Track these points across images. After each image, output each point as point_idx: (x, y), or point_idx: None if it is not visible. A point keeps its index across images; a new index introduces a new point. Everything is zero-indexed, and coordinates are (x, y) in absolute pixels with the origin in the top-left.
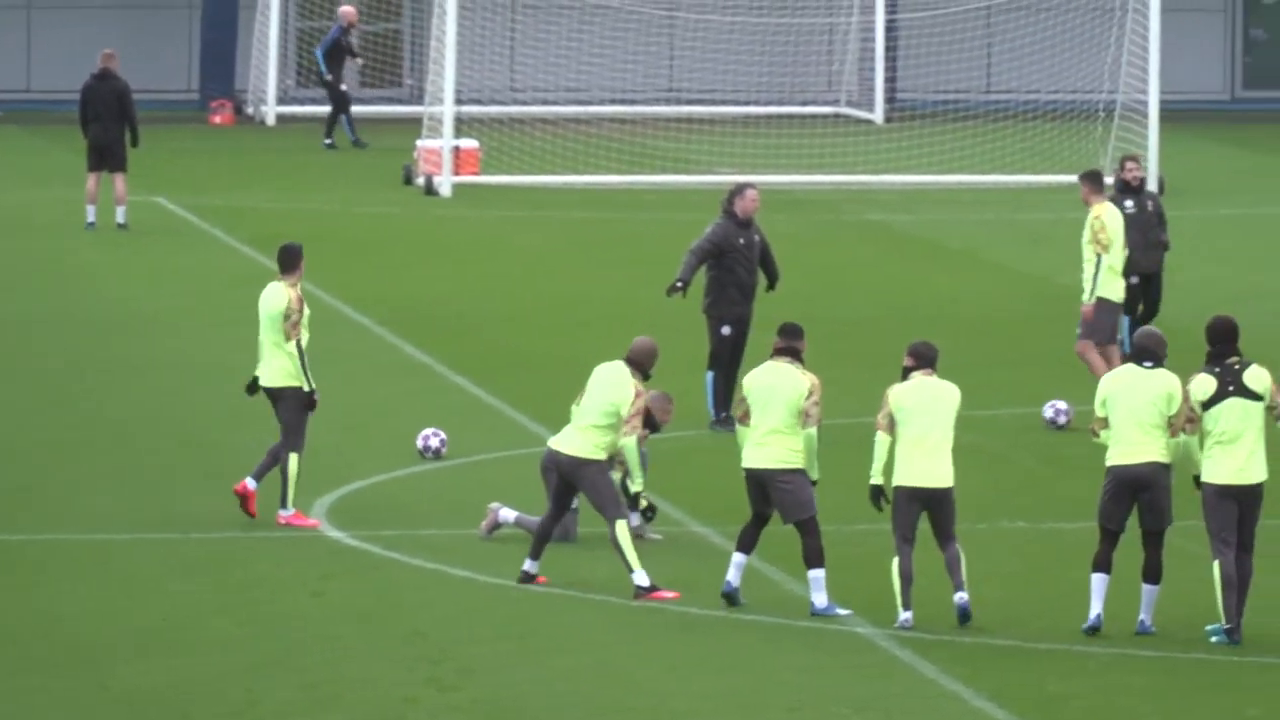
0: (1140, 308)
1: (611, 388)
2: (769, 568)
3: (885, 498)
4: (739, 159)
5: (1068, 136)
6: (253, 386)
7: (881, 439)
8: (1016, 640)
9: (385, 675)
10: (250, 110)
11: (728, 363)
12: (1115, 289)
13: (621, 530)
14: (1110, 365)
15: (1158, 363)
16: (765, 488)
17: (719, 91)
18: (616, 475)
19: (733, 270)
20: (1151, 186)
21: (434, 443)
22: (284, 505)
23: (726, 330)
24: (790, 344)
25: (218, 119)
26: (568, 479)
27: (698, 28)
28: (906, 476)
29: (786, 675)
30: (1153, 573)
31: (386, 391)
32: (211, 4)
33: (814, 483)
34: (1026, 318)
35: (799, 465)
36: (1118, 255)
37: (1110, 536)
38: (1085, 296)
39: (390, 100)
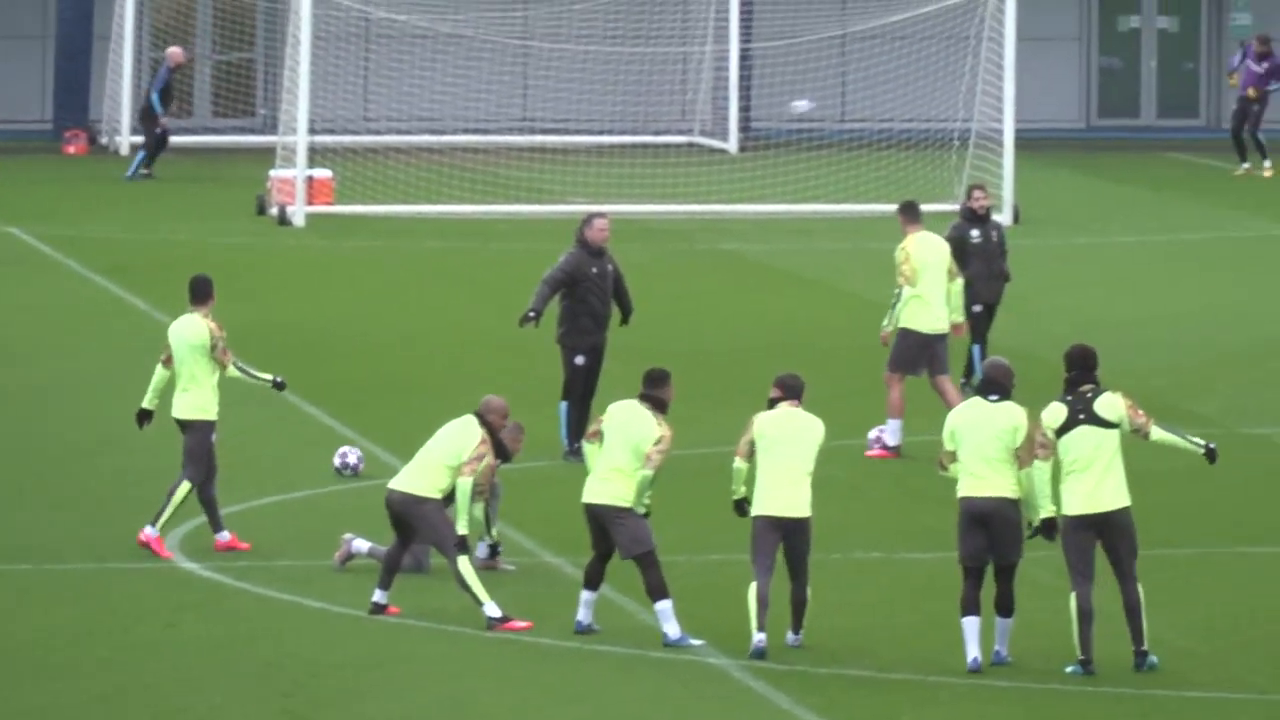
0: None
1: (457, 436)
2: (622, 598)
3: (749, 503)
4: (592, 188)
5: (922, 165)
6: (142, 417)
7: (739, 465)
8: (870, 670)
9: (239, 707)
10: (104, 140)
11: (582, 393)
12: (924, 320)
13: (463, 566)
14: (945, 398)
15: (1004, 395)
16: (602, 523)
17: (573, 121)
18: (479, 508)
19: (585, 300)
20: (1006, 215)
21: (351, 460)
22: (153, 524)
23: (580, 360)
24: (650, 392)
25: (72, 149)
26: (402, 516)
27: (551, 57)
28: (765, 505)
29: (639, 706)
30: (1004, 606)
31: (240, 421)
32: (65, 34)
33: (646, 514)
34: (880, 348)
35: (631, 503)
36: (931, 287)
37: (972, 574)
38: (884, 322)
39: (243, 130)
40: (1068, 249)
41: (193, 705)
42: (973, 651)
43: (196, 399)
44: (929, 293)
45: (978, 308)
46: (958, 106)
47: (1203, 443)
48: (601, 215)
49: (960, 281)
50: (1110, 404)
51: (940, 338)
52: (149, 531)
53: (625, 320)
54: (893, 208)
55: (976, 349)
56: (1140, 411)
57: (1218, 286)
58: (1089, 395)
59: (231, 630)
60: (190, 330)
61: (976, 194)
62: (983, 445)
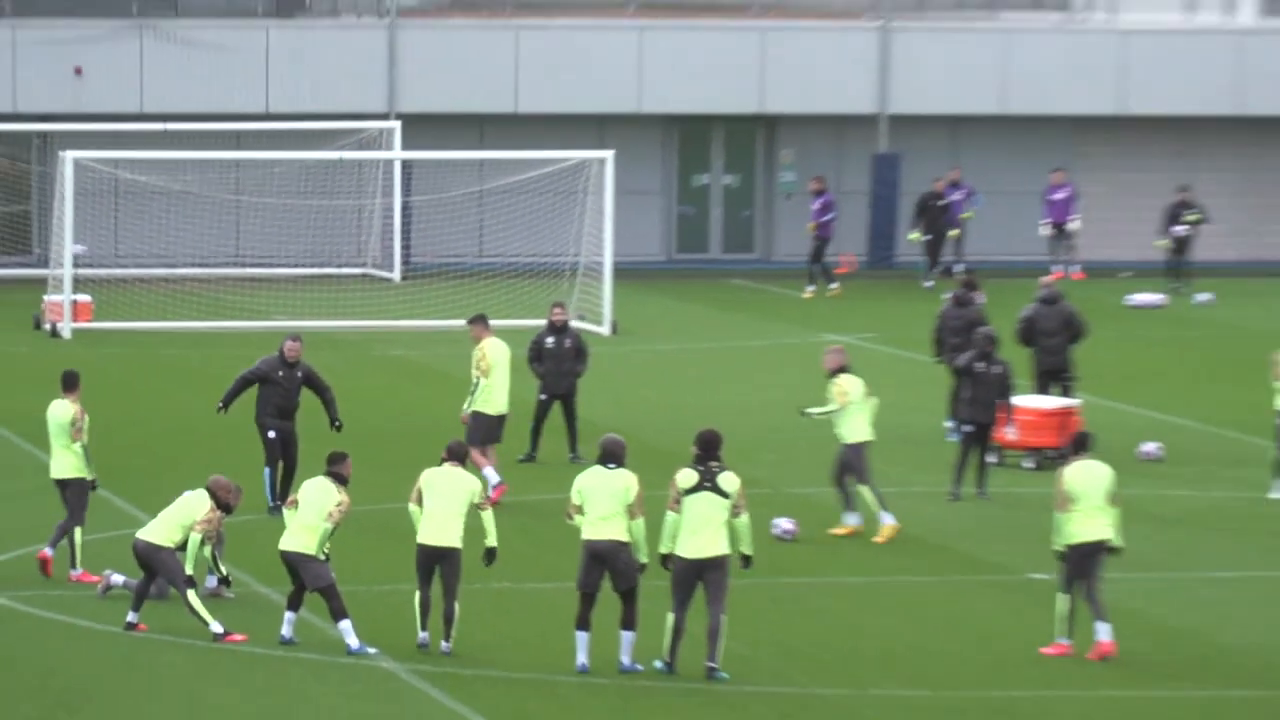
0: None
1: (192, 504)
2: (315, 618)
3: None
4: (291, 309)
5: (542, 290)
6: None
7: (413, 509)
8: (505, 672)
9: (16, 709)
10: None
11: (283, 461)
12: (493, 405)
13: (191, 597)
14: (483, 460)
15: (619, 464)
16: (293, 565)
17: (275, 256)
18: (208, 549)
19: (273, 395)
20: (606, 328)
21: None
22: (73, 566)
23: (272, 434)
24: (332, 469)
25: None
26: (145, 559)
27: (258, 208)
28: (424, 536)
29: (330, 698)
30: (628, 622)
31: (18, 488)
32: None
33: (326, 559)
34: (516, 430)
35: (314, 551)
36: (499, 379)
37: (585, 600)
38: (465, 406)
39: (23, 265)
40: (655, 353)
41: None
42: (581, 658)
43: (68, 462)
44: (498, 384)
45: (544, 396)
46: (570, 244)
47: (750, 553)
48: (295, 339)
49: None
50: (730, 480)
51: (503, 418)
52: (73, 573)
53: (333, 424)
54: (521, 322)
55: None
56: (744, 498)
57: (769, 381)
58: (715, 469)
59: (12, 647)
60: (59, 410)
61: (555, 310)
62: (602, 502)
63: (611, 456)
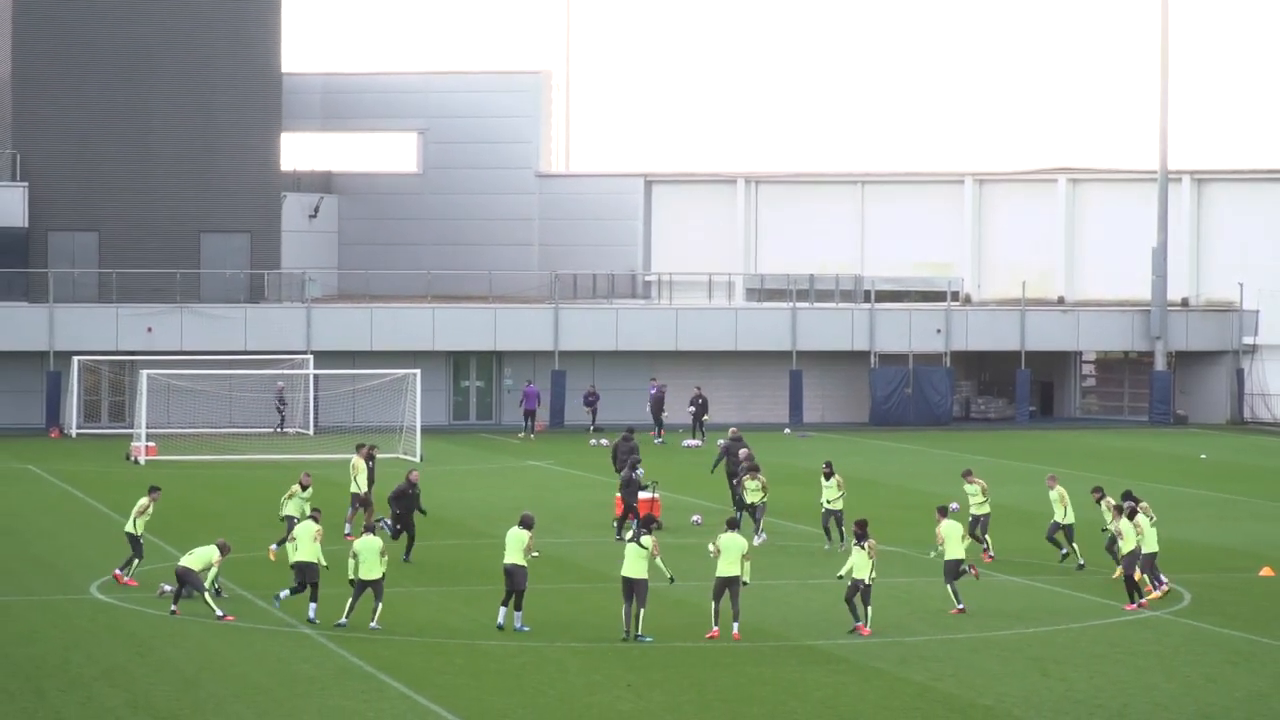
0: None
1: (209, 550)
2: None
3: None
4: (261, 450)
5: (388, 438)
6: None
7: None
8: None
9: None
10: (68, 431)
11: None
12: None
13: (208, 596)
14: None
15: (528, 527)
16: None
17: (251, 423)
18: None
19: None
20: (417, 457)
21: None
22: (124, 570)
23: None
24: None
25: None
26: (182, 576)
27: (241, 397)
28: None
29: (282, 651)
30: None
31: (106, 537)
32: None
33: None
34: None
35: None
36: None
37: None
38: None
39: (121, 427)
40: (445, 470)
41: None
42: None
43: (140, 524)
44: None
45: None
46: (400, 414)
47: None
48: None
49: None
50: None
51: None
52: (125, 577)
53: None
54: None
55: None
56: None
57: (508, 484)
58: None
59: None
60: (140, 503)
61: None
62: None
63: (525, 523)
